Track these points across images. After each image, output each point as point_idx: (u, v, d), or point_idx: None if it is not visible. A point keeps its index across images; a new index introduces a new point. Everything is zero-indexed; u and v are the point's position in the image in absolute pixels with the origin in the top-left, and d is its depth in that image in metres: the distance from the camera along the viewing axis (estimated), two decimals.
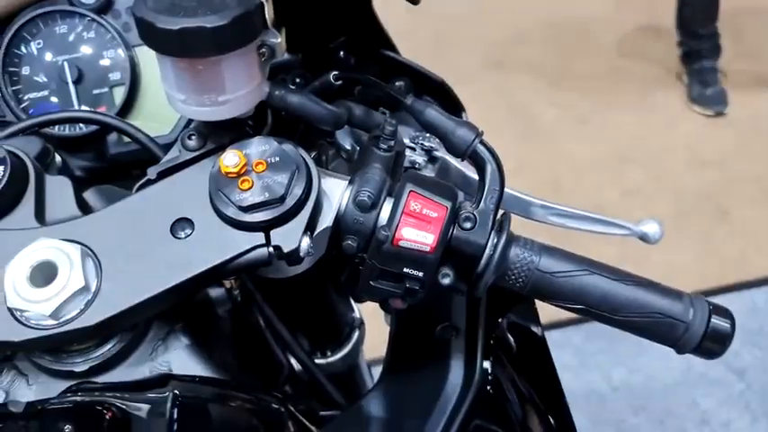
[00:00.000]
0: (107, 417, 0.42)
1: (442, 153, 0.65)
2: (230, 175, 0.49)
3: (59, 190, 0.54)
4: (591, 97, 2.89)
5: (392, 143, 0.55)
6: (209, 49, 0.45)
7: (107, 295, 0.48)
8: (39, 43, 0.69)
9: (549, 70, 3.04)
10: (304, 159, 0.51)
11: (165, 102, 0.70)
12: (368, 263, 0.52)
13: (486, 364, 0.63)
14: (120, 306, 0.48)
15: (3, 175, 0.51)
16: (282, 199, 0.49)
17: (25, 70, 0.69)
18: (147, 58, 0.69)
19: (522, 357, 0.68)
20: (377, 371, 0.71)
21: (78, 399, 0.45)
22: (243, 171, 0.49)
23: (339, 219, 0.52)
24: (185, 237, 0.50)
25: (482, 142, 0.54)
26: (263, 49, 0.48)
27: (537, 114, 2.86)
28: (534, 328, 0.71)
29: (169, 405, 0.42)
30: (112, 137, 0.69)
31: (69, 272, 0.48)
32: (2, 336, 0.47)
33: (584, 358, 1.98)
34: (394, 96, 0.59)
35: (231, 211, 0.49)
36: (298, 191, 0.49)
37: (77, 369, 0.51)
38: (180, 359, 0.53)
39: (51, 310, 0.47)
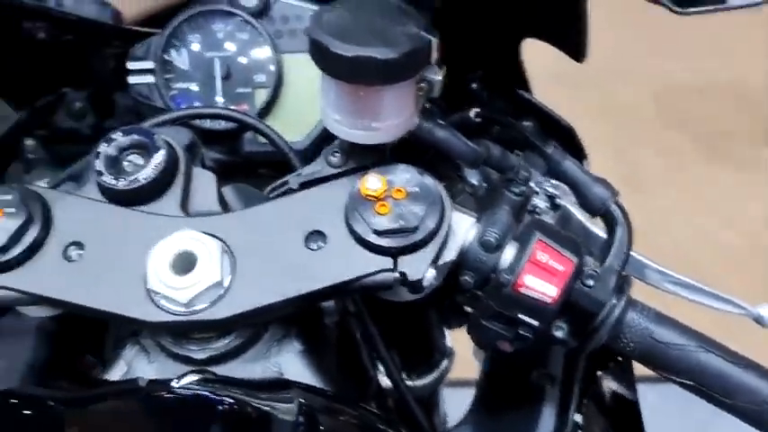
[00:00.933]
0: (229, 411, 0.44)
1: (564, 201, 0.65)
2: (369, 198, 0.51)
3: (204, 183, 0.57)
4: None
5: (524, 188, 0.55)
6: (377, 79, 0.47)
7: (237, 293, 0.50)
8: (196, 38, 0.73)
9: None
10: (441, 194, 0.52)
11: (301, 109, 0.73)
12: (483, 302, 0.53)
13: (578, 418, 0.63)
14: (248, 305, 0.50)
15: (159, 162, 0.54)
16: (415, 229, 0.50)
17: (178, 61, 0.73)
18: (293, 65, 0.73)
19: (613, 416, 0.67)
20: None
21: (202, 388, 0.47)
22: (382, 196, 0.51)
23: (462, 253, 0.53)
24: (317, 249, 0.51)
25: (616, 202, 0.54)
26: (423, 84, 0.50)
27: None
28: (628, 388, 0.70)
29: (296, 412, 0.44)
30: (248, 135, 0.73)
31: (208, 265, 0.50)
32: (136, 314, 0.50)
33: (657, 419, 1.91)
34: (531, 141, 0.60)
35: (365, 233, 0.50)
36: (431, 223, 0.50)
37: (196, 356, 0.54)
38: (292, 363, 0.55)
39: (187, 299, 0.49)
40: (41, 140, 0.82)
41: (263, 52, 0.73)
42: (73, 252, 0.53)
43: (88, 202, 0.55)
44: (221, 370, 0.53)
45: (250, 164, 0.74)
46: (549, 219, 0.65)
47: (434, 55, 0.49)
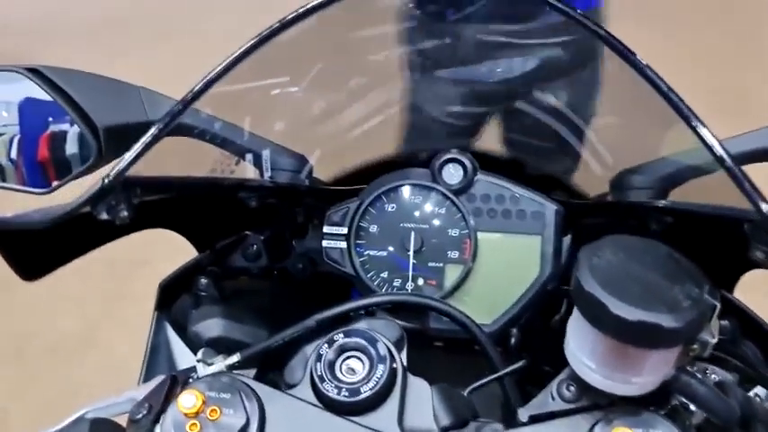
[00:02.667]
0: None
1: None
2: None
3: (419, 394, 0.54)
4: None
5: None
6: (655, 344, 0.44)
7: None
8: (392, 207, 0.72)
9: None
10: None
11: (490, 290, 0.71)
12: None
13: None
14: None
15: (382, 376, 0.52)
16: None
17: (372, 228, 0.72)
18: (487, 245, 0.70)
19: None
20: None
21: None
22: None
23: None
24: None
25: None
26: (695, 345, 0.46)
27: None
28: None
29: None
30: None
31: None
32: None
33: None
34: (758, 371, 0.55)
35: None
36: None
37: None
38: None
39: None
40: (212, 277, 0.82)
41: (458, 229, 0.71)
42: None
43: (304, 408, 0.53)
44: None
45: (426, 337, 0.72)
46: None
47: (715, 316, 0.45)
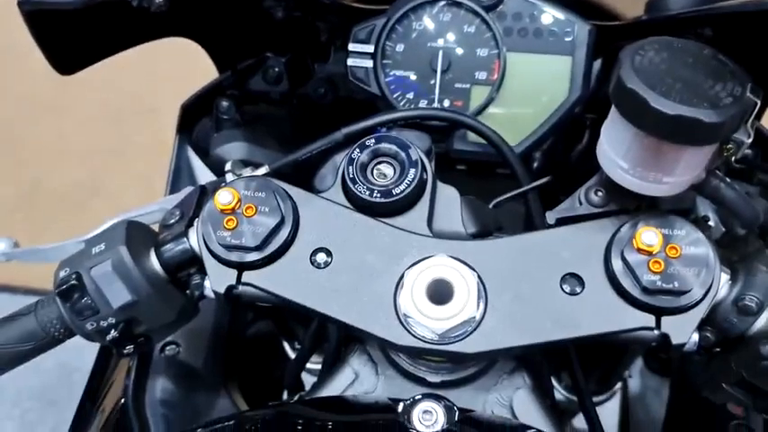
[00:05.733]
0: None
1: None
2: (642, 252, 0.48)
3: (448, 200, 0.55)
4: None
5: None
6: (693, 140, 0.44)
7: (489, 329, 0.49)
8: (420, 25, 0.70)
9: None
10: (714, 257, 0.49)
11: (516, 112, 0.70)
12: (732, 369, 0.51)
13: None
14: (501, 344, 0.49)
15: (414, 178, 0.53)
16: (686, 292, 0.48)
17: (399, 47, 0.70)
18: (515, 65, 0.69)
19: None
20: None
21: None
22: (656, 251, 0.48)
23: (711, 310, 0.51)
24: (574, 294, 0.50)
25: None
26: (730, 145, 0.47)
27: None
28: None
29: None
30: (460, 133, 0.70)
31: (465, 298, 0.49)
32: (386, 335, 0.50)
33: None
34: None
35: (632, 288, 0.48)
36: (702, 288, 0.48)
37: (429, 379, 0.54)
38: (521, 399, 0.54)
39: (442, 329, 0.49)
40: (233, 100, 0.81)
41: (487, 49, 0.69)
42: (320, 258, 0.52)
43: (337, 209, 0.54)
44: (451, 395, 0.53)
45: (449, 159, 0.73)
46: None
47: (752, 117, 0.45)
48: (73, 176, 2.39)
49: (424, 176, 0.54)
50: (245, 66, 0.79)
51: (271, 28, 0.74)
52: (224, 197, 0.52)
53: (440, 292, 0.50)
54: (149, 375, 0.67)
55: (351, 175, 0.53)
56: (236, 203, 0.52)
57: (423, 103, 0.70)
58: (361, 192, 0.53)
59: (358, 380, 0.56)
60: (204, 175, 0.85)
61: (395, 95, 0.71)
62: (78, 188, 2.37)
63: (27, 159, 2.47)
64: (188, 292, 0.56)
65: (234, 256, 0.52)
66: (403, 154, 0.54)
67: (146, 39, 0.71)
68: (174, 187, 0.84)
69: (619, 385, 0.87)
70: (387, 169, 0.55)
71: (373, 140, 0.54)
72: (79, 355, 0.91)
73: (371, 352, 0.57)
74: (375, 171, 0.55)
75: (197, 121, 0.84)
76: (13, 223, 2.27)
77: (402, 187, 0.53)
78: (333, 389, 0.56)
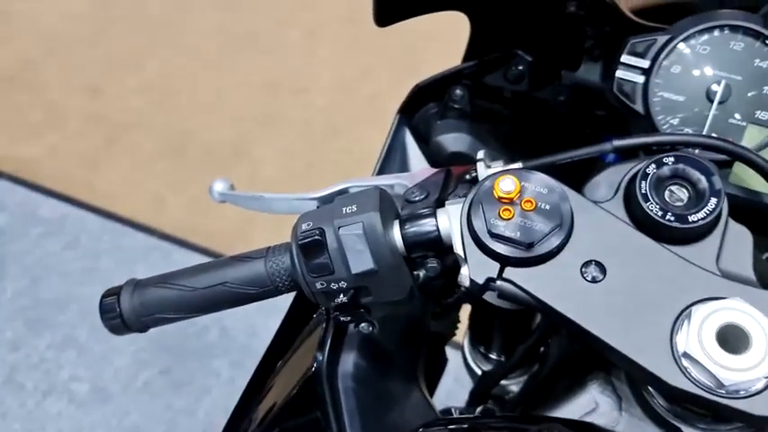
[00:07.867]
0: None
1: None
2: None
3: (738, 240, 0.50)
4: None
5: None
6: None
7: None
8: (705, 49, 0.65)
9: None
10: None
11: None
12: None
13: None
14: None
15: (713, 209, 0.48)
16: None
17: (675, 68, 0.65)
18: None
19: None
20: None
21: None
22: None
23: None
24: None
25: None
26: None
27: None
28: None
29: None
30: (723, 172, 0.64)
31: (765, 351, 0.44)
32: (654, 368, 0.45)
33: None
34: None
35: None
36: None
37: (685, 430, 0.49)
38: None
39: (731, 381, 0.44)
40: (468, 90, 0.79)
41: None
42: (592, 271, 0.48)
43: (617, 224, 0.50)
44: None
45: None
46: None
47: None
48: (221, 135, 2.47)
49: (721, 210, 0.49)
50: (490, 58, 0.77)
51: (543, 22, 0.71)
52: (506, 185, 0.49)
53: (732, 339, 0.45)
54: (343, 348, 0.66)
55: (643, 191, 0.49)
56: (517, 194, 0.49)
57: (687, 132, 0.65)
58: (652, 210, 0.49)
59: (597, 410, 0.52)
60: (416, 160, 0.83)
61: (658, 117, 0.66)
62: (224, 147, 2.45)
63: (181, 111, 2.57)
64: (416, 273, 0.54)
65: (501, 249, 0.49)
66: (705, 180, 0.49)
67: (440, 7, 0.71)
68: (384, 166, 0.82)
69: None
70: (680, 192, 0.50)
71: (672, 159, 0.50)
72: None
73: (616, 384, 0.52)
74: (667, 192, 0.50)
75: (422, 104, 0.82)
76: (155, 173, 2.36)
77: (701, 215, 0.48)
78: (569, 412, 0.52)
